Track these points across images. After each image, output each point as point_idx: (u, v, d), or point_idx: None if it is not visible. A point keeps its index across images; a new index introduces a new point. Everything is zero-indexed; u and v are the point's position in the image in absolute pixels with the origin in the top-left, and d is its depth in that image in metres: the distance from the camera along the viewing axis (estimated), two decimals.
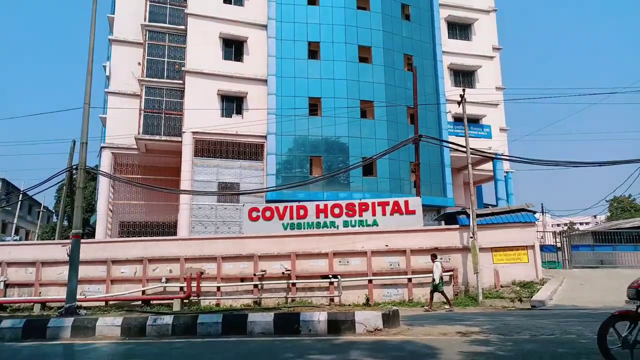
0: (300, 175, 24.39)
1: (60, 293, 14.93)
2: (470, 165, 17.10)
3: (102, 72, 30.34)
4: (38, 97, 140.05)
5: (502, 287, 15.34)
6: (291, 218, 17.79)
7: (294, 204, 18.28)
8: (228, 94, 25.12)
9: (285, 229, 17.47)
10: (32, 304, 14.94)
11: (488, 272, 15.42)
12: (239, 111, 25.36)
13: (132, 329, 9.00)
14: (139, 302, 14.75)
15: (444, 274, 14.51)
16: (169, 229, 24.31)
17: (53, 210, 46.70)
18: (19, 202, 32.36)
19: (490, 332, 8.06)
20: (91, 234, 27.81)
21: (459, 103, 17.94)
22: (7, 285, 15.89)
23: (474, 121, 28.85)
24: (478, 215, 16.07)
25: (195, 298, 14.41)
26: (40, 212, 40.79)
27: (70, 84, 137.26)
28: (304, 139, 25.10)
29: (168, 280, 15.30)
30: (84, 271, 13.82)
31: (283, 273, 15.10)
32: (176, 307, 13.59)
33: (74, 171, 20.39)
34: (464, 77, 30.51)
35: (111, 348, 8.02)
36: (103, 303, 14.62)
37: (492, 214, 16.95)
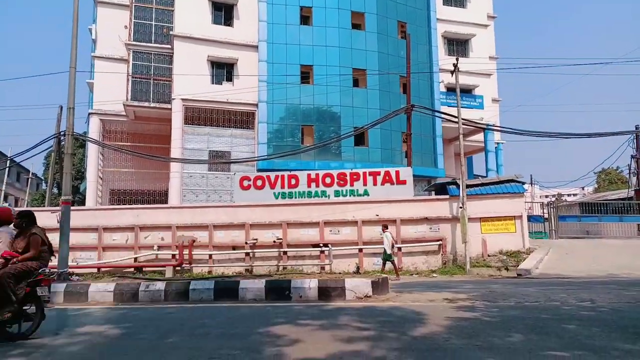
0: (292, 144, 24.27)
1: (52, 259, 14.94)
2: (461, 136, 17.13)
3: (88, 35, 29.43)
4: (23, 60, 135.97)
5: (489, 256, 15.69)
6: (282, 187, 17.82)
7: (286, 173, 18.28)
8: (218, 60, 24.61)
9: (277, 198, 17.52)
10: None
11: (476, 242, 15.72)
12: (230, 78, 24.93)
13: (124, 295, 9.11)
14: (131, 269, 14.87)
15: (433, 243, 14.74)
16: (160, 197, 24.25)
17: (42, 178, 46.20)
18: (7, 169, 31.95)
19: (477, 299, 8.28)
20: (81, 202, 27.65)
21: (452, 72, 17.80)
22: None
23: (467, 91, 28.71)
24: (468, 186, 16.23)
25: (188, 265, 14.55)
26: (29, 179, 40.29)
27: (57, 48, 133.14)
28: (295, 107, 24.85)
29: (160, 247, 15.40)
30: (75, 238, 13.80)
31: (274, 242, 15.25)
32: (168, 274, 13.72)
33: (62, 137, 20.06)
34: (458, 45, 30.14)
35: (104, 313, 8.13)
36: (95, 270, 14.71)
37: (482, 184, 17.13)
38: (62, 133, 19.96)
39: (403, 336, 5.50)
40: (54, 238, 14.92)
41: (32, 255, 6.02)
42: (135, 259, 15.28)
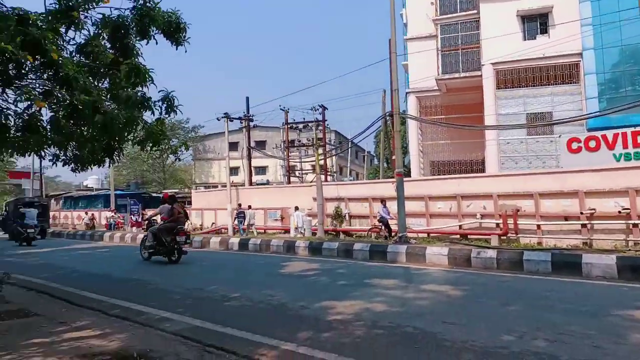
0: (633, 94, 19.66)
1: (390, 224, 17.35)
2: None
3: (400, 20, 32.11)
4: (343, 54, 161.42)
5: None
6: (625, 147, 14.81)
7: (628, 130, 15.07)
8: (529, 13, 22.32)
9: (618, 160, 14.68)
10: (370, 232, 18.06)
11: None
12: (544, 30, 22.24)
13: (457, 259, 9.69)
14: (457, 236, 15.61)
15: None
16: (476, 166, 24.36)
17: (374, 154, 54.25)
18: (349, 149, 39.14)
19: None
20: (407, 174, 30.95)
21: None
22: (350, 217, 19.71)
23: None
24: None
25: (514, 235, 14.08)
26: (365, 156, 48.07)
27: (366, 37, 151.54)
28: (633, 48, 19.97)
29: (482, 216, 15.47)
30: (406, 206, 15.28)
31: (619, 212, 12.83)
32: (494, 242, 13.66)
33: (387, 118, 22.88)
34: None
35: (442, 274, 8.87)
36: (425, 235, 16.19)
37: None
38: (387, 114, 22.77)
39: None
40: (391, 205, 17.35)
41: (173, 219, 11.08)
42: (460, 227, 15.93)
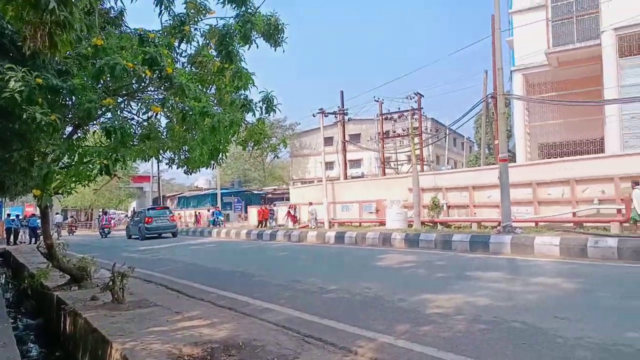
0: None
1: (491, 214, 16.40)
2: None
3: None
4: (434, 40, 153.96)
5: None
6: None
7: None
8: None
9: None
10: (469, 223, 17.25)
11: None
12: None
13: (571, 249, 8.93)
14: (570, 224, 14.26)
15: None
16: (592, 147, 21.90)
17: (473, 140, 51.39)
18: (446, 137, 37.53)
19: None
20: (511, 159, 28.92)
21: None
22: (448, 207, 18.97)
23: None
24: None
25: None
26: (464, 143, 45.76)
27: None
28: None
29: (601, 201, 13.93)
30: (511, 194, 14.22)
31: None
32: (614, 230, 12.25)
33: (489, 100, 21.55)
34: None
35: (553, 265, 8.24)
36: (532, 224, 15.00)
37: None
38: (488, 95, 21.45)
39: None
40: (491, 195, 16.40)
41: None
42: (574, 214, 14.50)
